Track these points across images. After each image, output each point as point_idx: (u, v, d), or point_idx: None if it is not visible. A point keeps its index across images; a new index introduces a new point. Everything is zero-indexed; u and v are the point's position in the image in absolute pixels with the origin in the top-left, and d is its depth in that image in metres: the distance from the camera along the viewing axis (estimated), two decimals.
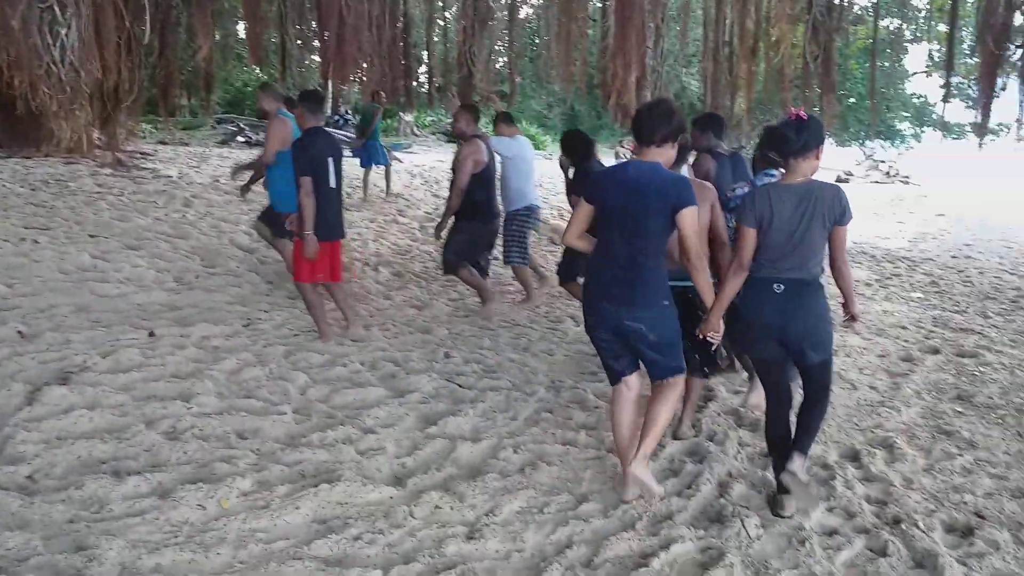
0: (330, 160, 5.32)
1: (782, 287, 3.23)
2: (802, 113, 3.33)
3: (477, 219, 6.43)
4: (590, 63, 11.77)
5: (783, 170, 3.45)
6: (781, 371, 3.44)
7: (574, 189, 5.98)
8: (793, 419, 3.47)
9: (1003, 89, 8.20)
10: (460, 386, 4.72)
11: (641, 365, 3.49)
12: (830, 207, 3.19)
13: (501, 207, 6.85)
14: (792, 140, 3.24)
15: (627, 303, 3.29)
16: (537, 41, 28.36)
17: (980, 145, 13.89)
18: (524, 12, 24.72)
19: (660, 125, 3.32)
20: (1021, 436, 4.52)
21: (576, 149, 6.09)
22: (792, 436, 3.38)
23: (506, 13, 13.46)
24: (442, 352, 5.39)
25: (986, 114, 8.19)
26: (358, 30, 10.38)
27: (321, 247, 5.26)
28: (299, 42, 13.53)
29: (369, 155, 11.97)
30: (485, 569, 2.82)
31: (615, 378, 3.50)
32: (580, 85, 11.09)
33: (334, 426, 3.93)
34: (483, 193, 6.40)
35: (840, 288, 3.40)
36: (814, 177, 3.34)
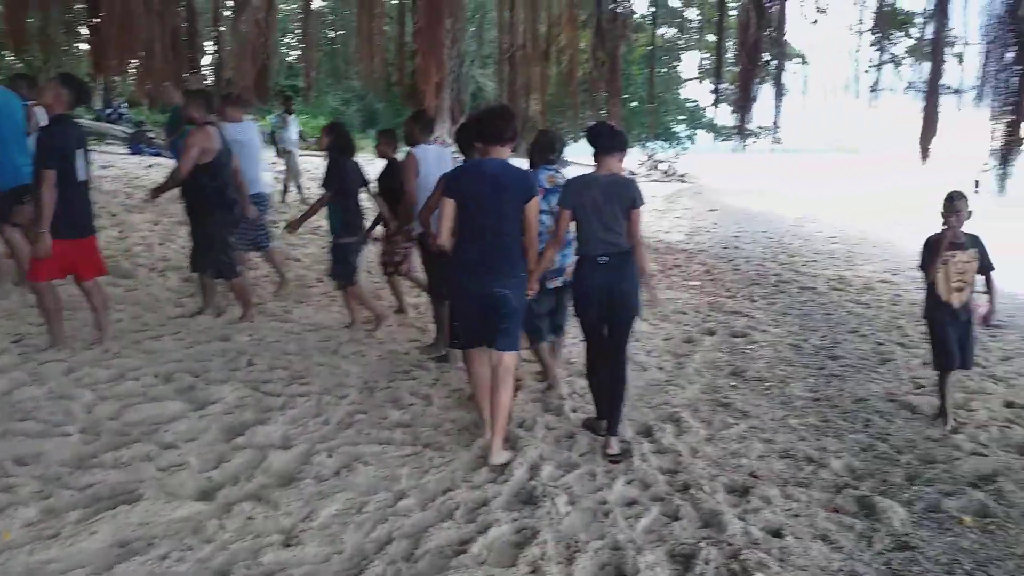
0: (78, 152, 4.95)
1: (606, 259, 4.05)
2: (615, 123, 4.10)
3: (216, 212, 5.92)
4: (389, 60, 11.73)
5: (557, 168, 4.57)
6: (598, 333, 4.24)
7: (327, 182, 5.97)
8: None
9: (755, 98, 9.22)
10: (266, 394, 4.56)
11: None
12: (628, 194, 4.06)
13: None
14: (606, 141, 4.18)
15: (500, 274, 3.87)
16: (332, 35, 27.72)
17: (744, 147, 15.46)
18: (318, 3, 24.09)
19: (508, 127, 3.97)
20: (784, 404, 5.15)
21: (336, 143, 6.05)
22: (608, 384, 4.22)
23: (298, 6, 13.10)
24: (244, 359, 5.17)
25: (745, 119, 9.17)
26: (132, 16, 9.63)
27: (66, 245, 4.88)
28: (63, 28, 12.31)
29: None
30: (304, 574, 2.77)
31: (467, 345, 4.05)
32: (379, 82, 11.04)
33: (129, 444, 3.65)
34: (214, 183, 5.85)
35: (637, 257, 4.12)
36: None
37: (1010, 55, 5.36)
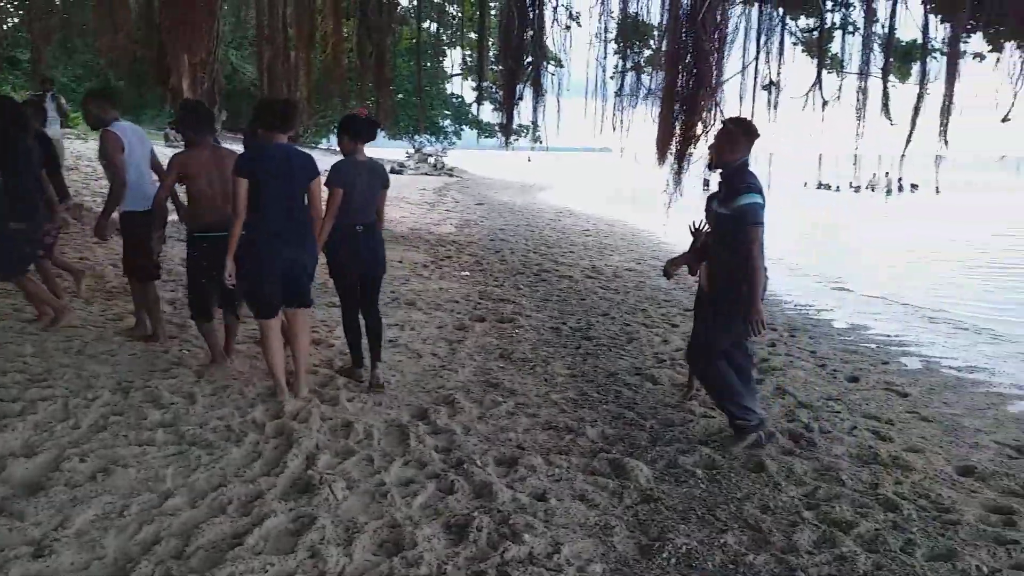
0: None
1: (362, 228, 4.86)
2: (363, 111, 4.93)
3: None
4: (135, 35, 10.78)
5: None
6: (356, 291, 5.05)
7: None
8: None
9: (520, 98, 9.74)
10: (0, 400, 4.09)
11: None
12: (384, 176, 5.02)
13: None
14: (363, 130, 4.83)
15: (298, 244, 4.46)
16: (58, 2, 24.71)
17: (507, 144, 16.14)
18: None
19: (296, 115, 4.54)
20: (547, 382, 5.55)
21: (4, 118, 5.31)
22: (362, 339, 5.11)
23: None
24: None
25: (509, 117, 9.65)
26: None
27: None
28: None
29: None
30: None
31: (271, 313, 4.54)
32: (124, 59, 10.10)
33: None
34: None
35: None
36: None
37: (688, 59, 6.16)
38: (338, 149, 5.02)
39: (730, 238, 4.34)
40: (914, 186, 38.87)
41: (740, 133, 4.43)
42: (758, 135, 4.54)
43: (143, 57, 10.85)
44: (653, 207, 19.90)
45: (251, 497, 3.33)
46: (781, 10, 10.55)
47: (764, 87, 10.35)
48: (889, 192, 39.32)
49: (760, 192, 4.24)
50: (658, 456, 4.25)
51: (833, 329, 8.81)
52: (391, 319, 6.93)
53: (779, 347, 7.39)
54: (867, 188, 38.79)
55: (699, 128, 6.54)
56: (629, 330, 7.50)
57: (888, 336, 8.57)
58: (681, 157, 6.78)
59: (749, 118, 5.87)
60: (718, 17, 6.56)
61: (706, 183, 29.20)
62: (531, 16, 7.25)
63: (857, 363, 7.05)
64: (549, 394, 5.23)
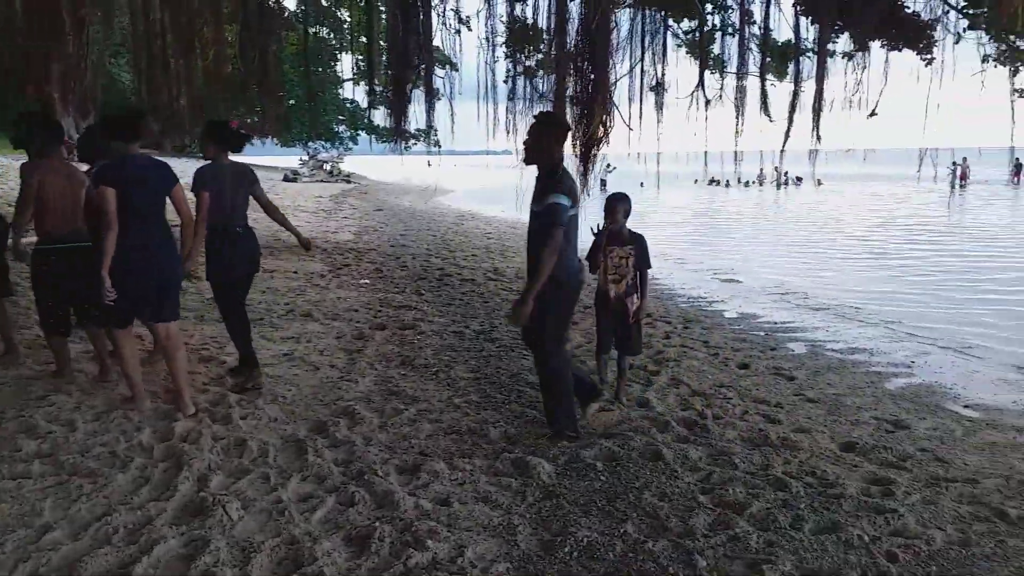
0: None
1: (241, 228, 5.07)
2: (235, 123, 5.13)
3: None
4: None
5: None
6: (236, 294, 5.24)
7: None
8: None
9: (409, 102, 9.68)
10: None
11: None
12: (251, 178, 5.17)
13: None
14: (230, 139, 5.10)
15: (168, 256, 4.48)
16: None
17: (401, 149, 15.99)
18: None
19: (144, 125, 4.56)
20: (449, 386, 5.54)
21: None
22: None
23: None
24: None
25: (398, 121, 9.57)
26: None
27: None
28: None
29: None
30: None
31: (127, 322, 4.49)
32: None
33: None
34: None
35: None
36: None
37: (584, 64, 6.34)
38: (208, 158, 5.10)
39: (539, 236, 4.26)
40: (799, 179, 40.99)
41: (546, 129, 4.38)
42: (567, 129, 4.61)
43: (8, 67, 10.17)
44: None
45: (139, 524, 3.18)
46: (664, 13, 10.92)
47: (651, 88, 10.69)
48: (779, 186, 41.36)
49: (567, 193, 4.18)
50: (560, 452, 4.30)
51: (725, 319, 9.17)
52: (286, 332, 6.77)
53: (673, 338, 7.63)
54: (756, 183, 40.70)
55: (600, 131, 6.69)
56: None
57: (776, 323, 8.99)
58: (585, 159, 6.91)
59: (558, 113, 5.94)
60: (611, 22, 6.74)
61: (603, 183, 29.98)
62: (418, 20, 7.21)
63: (747, 350, 7.36)
64: (452, 399, 5.21)
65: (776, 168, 38.95)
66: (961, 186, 37.77)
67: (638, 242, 5.24)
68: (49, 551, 2.91)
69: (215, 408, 4.67)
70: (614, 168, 38.07)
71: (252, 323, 6.94)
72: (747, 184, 40.97)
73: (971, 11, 7.48)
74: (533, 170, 4.49)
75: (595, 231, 5.19)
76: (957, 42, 7.65)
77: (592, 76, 6.41)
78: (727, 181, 40.43)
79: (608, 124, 6.89)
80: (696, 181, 39.90)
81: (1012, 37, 7.22)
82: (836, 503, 3.79)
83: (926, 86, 7.11)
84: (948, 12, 7.59)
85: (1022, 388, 6.50)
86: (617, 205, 5.15)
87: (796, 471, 4.20)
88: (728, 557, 3.20)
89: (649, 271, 5.39)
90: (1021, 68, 7.29)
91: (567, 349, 4.67)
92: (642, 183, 26.75)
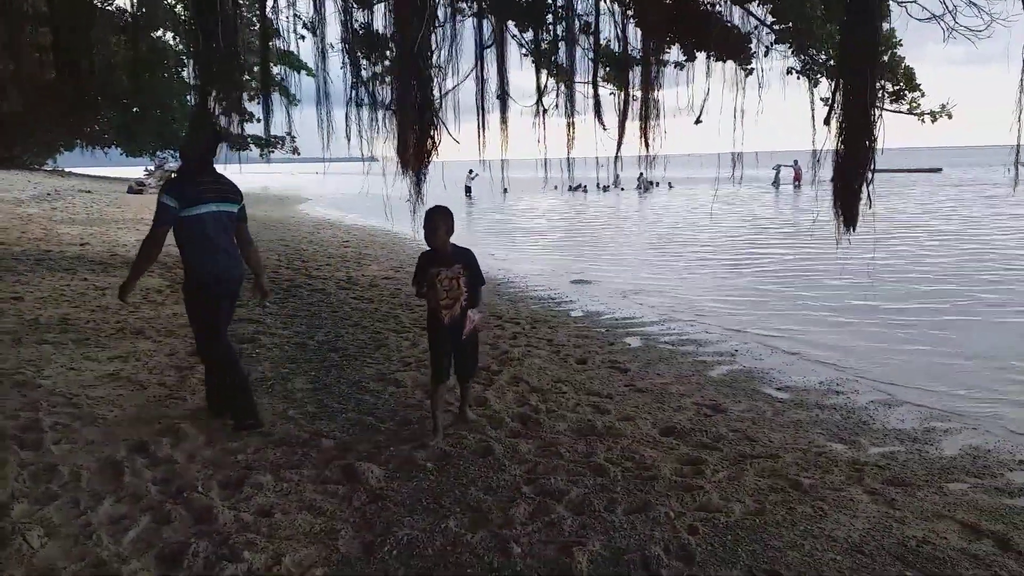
0: None
1: None
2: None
3: None
4: None
5: None
6: None
7: None
8: None
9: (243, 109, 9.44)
10: None
11: None
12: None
13: None
14: None
15: None
16: None
17: (262, 155, 15.53)
18: None
19: None
20: (286, 399, 5.46)
21: None
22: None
23: None
24: None
25: (267, 128, 9.31)
26: None
27: None
28: None
29: None
30: None
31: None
32: None
33: None
34: None
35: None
36: None
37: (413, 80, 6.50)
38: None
39: None
40: (650, 183, 42.97)
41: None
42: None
43: None
44: (413, 216, 20.15)
45: None
46: (510, 23, 11.21)
47: (498, 96, 10.94)
48: (644, 190, 43.28)
49: (169, 193, 4.45)
50: (392, 456, 4.36)
51: (571, 319, 9.53)
52: (114, 351, 6.45)
53: (520, 339, 7.87)
54: (616, 188, 42.31)
55: (429, 143, 6.81)
56: (379, 338, 7.58)
57: (617, 320, 9.44)
58: (417, 170, 7.00)
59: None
60: (432, 41, 6.88)
61: (468, 191, 30.43)
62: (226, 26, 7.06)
63: (587, 347, 7.70)
64: (286, 411, 5.15)
65: (641, 175, 40.84)
66: (796, 187, 40.94)
67: (466, 258, 4.73)
68: None
69: (24, 435, 4.40)
70: (476, 175, 38.49)
71: (78, 343, 6.60)
72: (605, 189, 42.49)
73: (777, 26, 8.19)
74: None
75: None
76: (766, 54, 8.35)
77: (419, 91, 6.54)
78: (583, 186, 41.83)
79: (438, 138, 7.03)
80: (556, 187, 41.13)
81: (812, 51, 7.98)
82: (649, 484, 4.06)
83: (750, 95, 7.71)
84: (758, 27, 8.27)
85: (828, 371, 7.16)
86: (438, 222, 4.59)
87: (617, 457, 4.47)
88: (542, 543, 3.38)
89: (484, 287, 4.92)
90: (820, 79, 8.07)
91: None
92: (506, 189, 27.21)
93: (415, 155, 6.67)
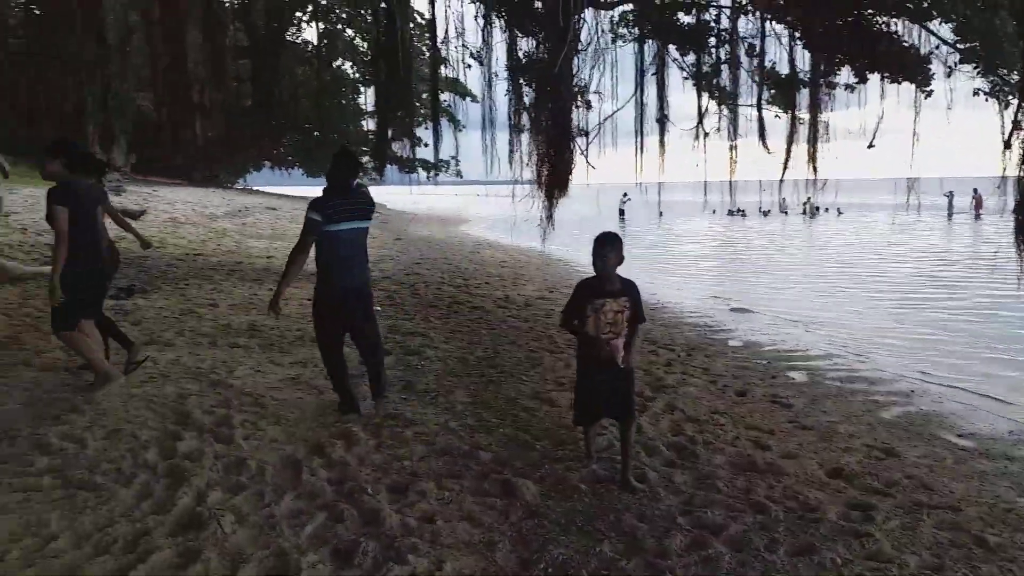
0: None
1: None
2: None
3: None
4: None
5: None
6: None
7: None
8: None
9: (405, 133, 9.98)
10: None
11: None
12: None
13: None
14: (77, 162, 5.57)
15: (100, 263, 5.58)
16: None
17: (429, 178, 16.35)
18: None
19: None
20: (447, 411, 5.69)
21: None
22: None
23: None
24: None
25: (381, 150, 9.80)
26: None
27: None
28: None
29: None
30: None
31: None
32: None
33: None
34: None
35: None
36: None
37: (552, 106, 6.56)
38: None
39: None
40: (816, 209, 40.94)
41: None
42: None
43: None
44: (567, 237, 20.32)
45: (138, 535, 3.37)
46: (671, 47, 11.17)
47: (657, 120, 10.91)
48: (809, 215, 41.40)
49: (315, 209, 5.09)
50: (547, 474, 4.44)
51: (728, 348, 9.26)
52: (295, 357, 6.98)
53: (675, 366, 7.74)
54: (778, 212, 40.70)
55: (566, 167, 6.92)
56: (534, 356, 7.73)
57: (779, 352, 9.07)
58: (550, 195, 7.13)
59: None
60: (574, 67, 6.99)
61: (621, 213, 30.33)
62: (409, 50, 7.50)
63: (747, 378, 7.46)
64: (448, 422, 5.37)
65: (809, 199, 39.06)
66: (976, 216, 37.57)
67: (632, 292, 4.41)
68: (52, 558, 3.10)
69: (219, 429, 4.87)
70: (630, 198, 38.27)
71: (264, 348, 7.21)
72: (765, 213, 40.97)
73: (962, 45, 7.63)
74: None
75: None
76: (949, 75, 7.80)
77: (556, 117, 6.66)
78: (741, 210, 40.47)
79: (573, 164, 7.11)
80: (714, 211, 40.12)
81: (1003, 71, 7.36)
82: (814, 527, 3.88)
83: (925, 117, 7.26)
84: (939, 46, 7.76)
85: (1017, 418, 6.53)
86: (608, 249, 4.31)
87: (779, 496, 4.30)
88: None
89: (642, 325, 4.56)
90: (1012, 101, 7.41)
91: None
92: (661, 212, 26.91)
93: (550, 179, 6.77)
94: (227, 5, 11.16)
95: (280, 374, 6.40)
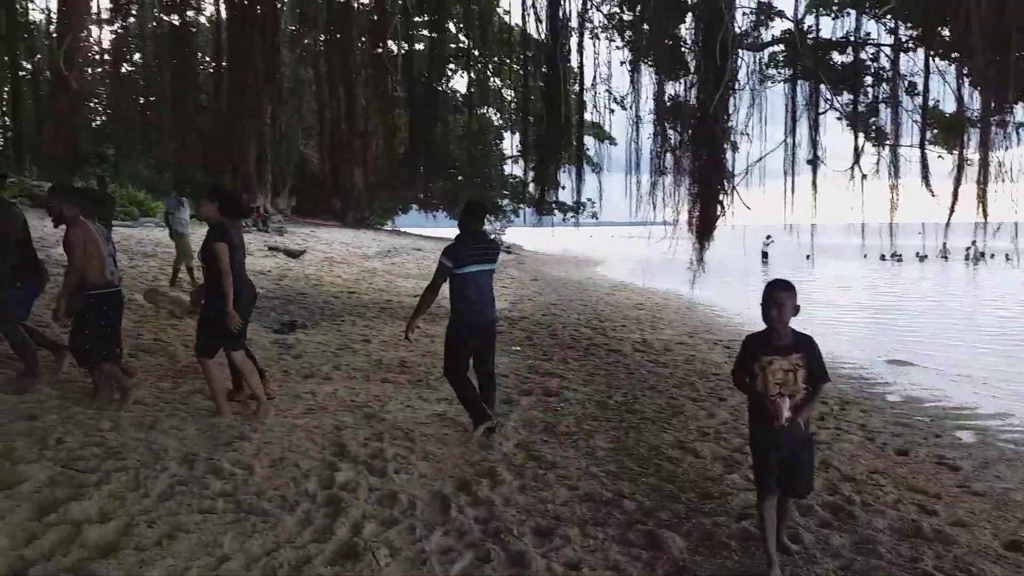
0: None
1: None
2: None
3: None
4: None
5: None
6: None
7: None
8: None
9: (554, 178, 10.18)
10: (79, 471, 4.46)
11: None
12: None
13: None
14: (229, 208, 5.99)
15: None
16: (142, 100, 26.67)
17: (540, 220, 16.58)
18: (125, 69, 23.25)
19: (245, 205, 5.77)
20: (588, 455, 5.69)
21: None
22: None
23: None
24: (53, 438, 4.98)
25: (541, 194, 10.01)
26: None
27: None
28: None
29: None
30: None
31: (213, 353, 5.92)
32: (192, 155, 11.01)
33: None
34: None
35: None
36: None
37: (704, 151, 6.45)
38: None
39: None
40: (982, 254, 37.90)
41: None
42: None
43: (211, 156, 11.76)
44: (707, 281, 19.93)
45: (301, 561, 3.57)
46: (824, 87, 10.82)
47: (808, 161, 10.55)
48: (974, 261, 38.52)
49: (446, 255, 5.79)
50: (694, 528, 4.33)
51: (887, 402, 8.70)
52: (441, 393, 7.20)
53: (828, 420, 7.36)
54: (940, 257, 37.99)
55: (717, 210, 6.79)
56: (675, 404, 7.58)
57: (944, 409, 8.42)
58: (701, 237, 7.00)
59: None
60: (730, 105, 6.89)
61: (764, 256, 29.37)
62: (570, 100, 7.69)
63: (908, 436, 6.97)
64: (589, 467, 5.36)
65: (974, 243, 36.24)
66: None
67: (808, 347, 3.83)
68: None
69: (373, 461, 5.09)
70: (773, 241, 36.95)
71: (413, 384, 7.50)
72: (923, 258, 38.34)
73: None
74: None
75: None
76: None
77: (710, 157, 6.55)
78: (897, 255, 38.02)
79: (728, 205, 6.95)
80: (865, 256, 37.99)
81: None
82: None
83: None
84: None
85: None
86: (784, 298, 3.78)
87: (949, 567, 3.99)
88: None
89: (825, 385, 3.95)
90: None
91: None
92: (808, 256, 25.76)
93: (702, 221, 6.67)
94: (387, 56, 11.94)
95: (428, 410, 6.62)
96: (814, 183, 9.19)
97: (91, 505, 3.98)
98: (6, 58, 17.57)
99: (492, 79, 31.58)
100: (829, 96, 11.02)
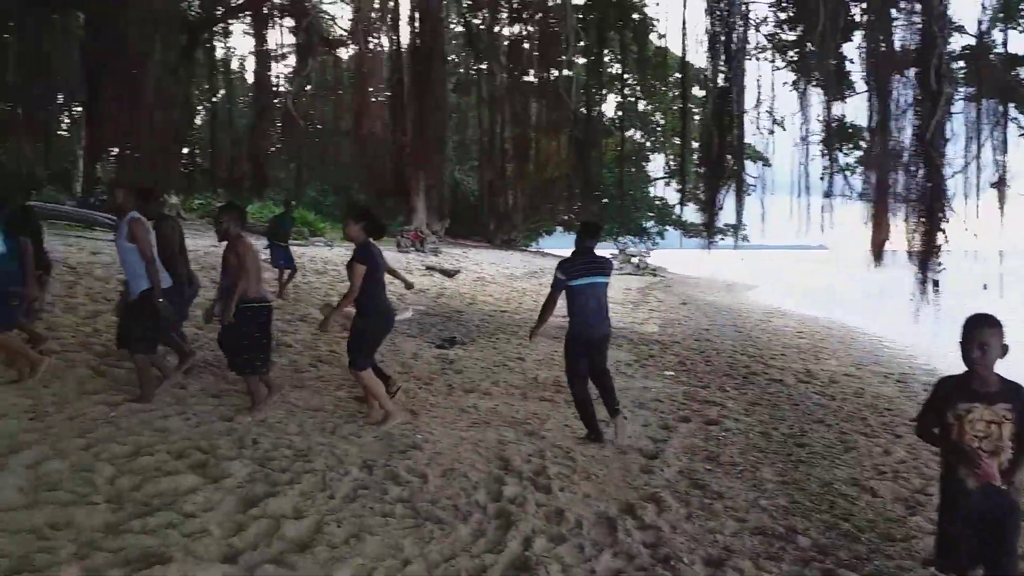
0: None
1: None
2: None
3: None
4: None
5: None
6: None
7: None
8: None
9: (720, 204, 9.99)
10: (273, 470, 4.84)
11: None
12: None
13: None
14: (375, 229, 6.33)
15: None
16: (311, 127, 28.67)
17: (709, 244, 16.25)
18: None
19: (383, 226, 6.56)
20: (755, 487, 5.51)
21: None
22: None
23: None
24: (250, 439, 5.45)
25: (711, 218, 9.85)
26: (132, 101, 10.24)
27: None
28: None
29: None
30: None
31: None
32: (375, 186, 11.71)
33: (152, 512, 3.93)
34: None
35: None
36: None
37: (922, 172, 6.07)
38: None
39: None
40: None
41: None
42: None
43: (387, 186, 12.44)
44: (875, 309, 18.71)
45: (477, 571, 3.70)
46: (1009, 105, 10.02)
47: (992, 185, 9.77)
48: None
49: (560, 268, 6.24)
50: (876, 571, 4.10)
51: None
52: (599, 415, 7.21)
53: None
54: None
55: (939, 236, 6.39)
56: (846, 439, 7.20)
57: None
58: (924, 266, 6.60)
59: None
60: (946, 131, 6.50)
61: (935, 284, 27.09)
62: (731, 124, 7.56)
63: None
64: (758, 500, 5.19)
65: None
66: None
67: (1018, 398, 3.22)
68: None
69: (537, 478, 5.19)
70: (943, 268, 34.23)
71: (569, 404, 7.55)
72: None
73: None
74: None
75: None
76: None
77: (930, 186, 6.19)
78: None
79: (945, 229, 6.53)
80: None
81: None
82: None
83: None
84: None
85: None
86: (989, 336, 3.19)
87: None
88: None
89: None
90: None
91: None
92: (985, 285, 23.67)
93: (923, 247, 6.29)
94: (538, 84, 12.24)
95: (585, 431, 6.64)
96: (1001, 204, 8.48)
97: (287, 502, 4.32)
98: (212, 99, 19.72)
99: (640, 101, 31.54)
100: (1015, 115, 10.21)
